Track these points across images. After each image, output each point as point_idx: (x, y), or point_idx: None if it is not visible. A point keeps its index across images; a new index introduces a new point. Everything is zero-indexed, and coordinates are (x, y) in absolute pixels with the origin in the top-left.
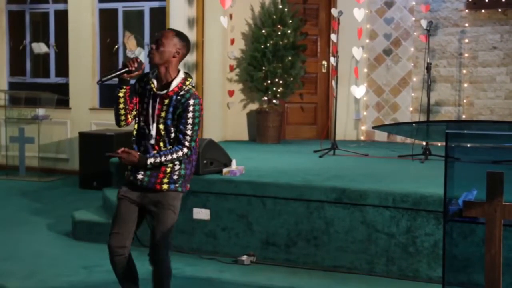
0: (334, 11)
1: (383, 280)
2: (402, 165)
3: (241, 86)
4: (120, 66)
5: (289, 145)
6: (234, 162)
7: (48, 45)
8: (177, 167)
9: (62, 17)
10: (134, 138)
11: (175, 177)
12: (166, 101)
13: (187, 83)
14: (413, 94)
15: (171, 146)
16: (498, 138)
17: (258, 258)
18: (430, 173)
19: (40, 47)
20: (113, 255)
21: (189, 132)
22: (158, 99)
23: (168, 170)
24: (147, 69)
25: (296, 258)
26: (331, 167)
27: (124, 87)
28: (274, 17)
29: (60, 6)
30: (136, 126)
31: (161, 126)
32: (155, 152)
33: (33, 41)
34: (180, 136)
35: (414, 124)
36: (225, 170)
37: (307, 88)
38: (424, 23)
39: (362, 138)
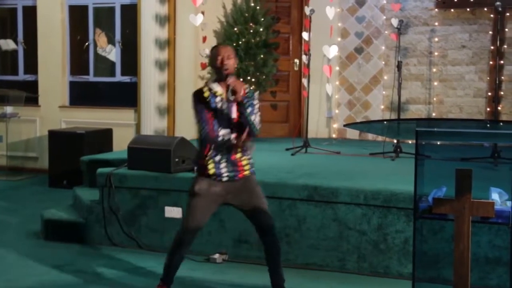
0: (306, 9)
1: (354, 277)
2: (373, 163)
3: None
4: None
5: (261, 143)
6: None
7: (16, 42)
8: (248, 156)
9: (30, 13)
10: (213, 146)
11: (251, 162)
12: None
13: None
14: (384, 92)
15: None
16: (467, 135)
17: (230, 256)
18: (401, 170)
19: (8, 44)
20: (183, 249)
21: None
22: (235, 105)
23: (244, 161)
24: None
25: None
26: (303, 165)
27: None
28: (246, 15)
29: (29, 2)
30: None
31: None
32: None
33: (1, 37)
34: None
35: (385, 122)
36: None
37: (279, 86)
38: (395, 22)
39: (334, 136)
